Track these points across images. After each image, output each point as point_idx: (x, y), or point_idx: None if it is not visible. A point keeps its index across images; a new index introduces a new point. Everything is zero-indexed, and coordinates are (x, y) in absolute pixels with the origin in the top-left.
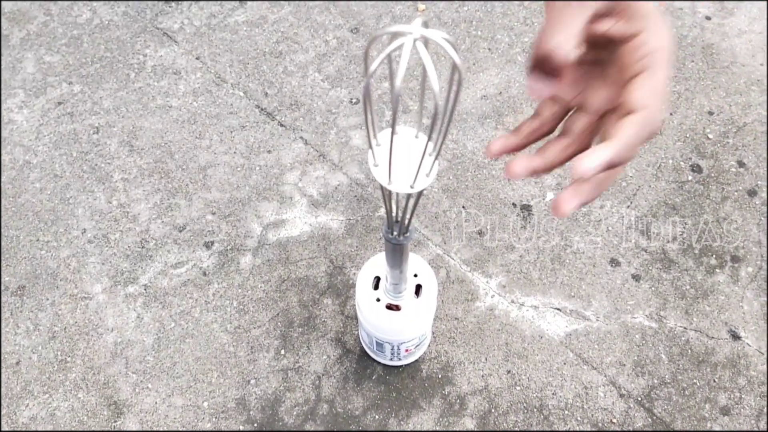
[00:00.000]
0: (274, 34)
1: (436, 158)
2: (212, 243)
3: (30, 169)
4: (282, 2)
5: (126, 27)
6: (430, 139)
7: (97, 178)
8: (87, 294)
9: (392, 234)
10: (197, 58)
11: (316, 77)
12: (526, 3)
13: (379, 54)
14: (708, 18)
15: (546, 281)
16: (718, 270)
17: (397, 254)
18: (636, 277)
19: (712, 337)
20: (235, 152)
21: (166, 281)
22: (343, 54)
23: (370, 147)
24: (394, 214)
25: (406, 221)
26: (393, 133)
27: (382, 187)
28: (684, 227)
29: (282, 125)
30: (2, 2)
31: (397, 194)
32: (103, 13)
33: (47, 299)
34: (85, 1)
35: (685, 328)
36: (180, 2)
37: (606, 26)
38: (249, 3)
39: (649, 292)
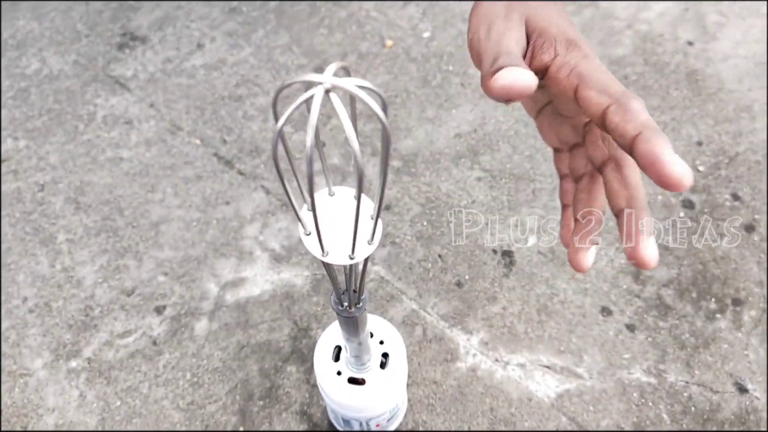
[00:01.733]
0: (234, 77)
1: (376, 221)
2: (164, 307)
3: None
4: (242, 44)
5: (76, 76)
6: (359, 206)
7: (41, 240)
8: (27, 370)
9: (342, 306)
10: (151, 106)
11: None
12: None
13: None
14: (690, 43)
15: (533, 335)
16: (718, 315)
17: (351, 326)
18: (630, 327)
19: (717, 392)
20: (190, 205)
21: (112, 353)
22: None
23: (296, 213)
24: (342, 284)
25: (357, 290)
26: (312, 197)
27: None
28: (679, 269)
29: (241, 174)
30: None
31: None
32: (53, 63)
33: None
34: (34, 52)
35: (686, 382)
36: (134, 49)
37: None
38: (207, 46)
39: (645, 343)
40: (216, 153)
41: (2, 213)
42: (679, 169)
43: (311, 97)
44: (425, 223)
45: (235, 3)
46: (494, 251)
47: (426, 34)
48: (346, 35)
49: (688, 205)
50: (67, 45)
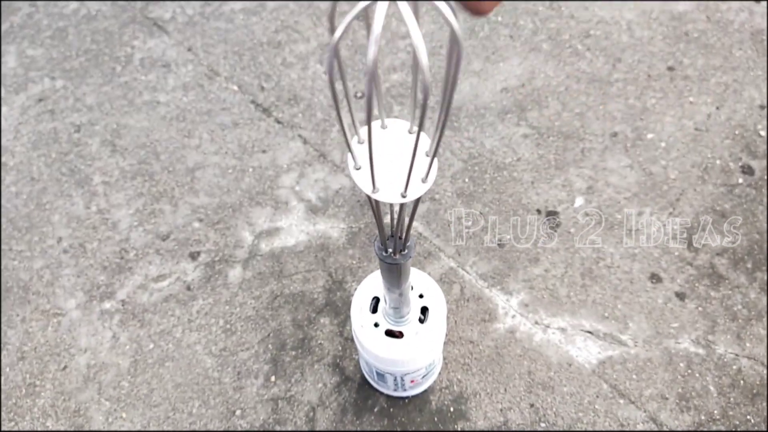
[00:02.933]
0: (273, 22)
1: (432, 158)
2: (198, 254)
3: (6, 172)
4: None
5: (114, 17)
6: (420, 133)
7: (76, 181)
8: (60, 310)
9: (386, 252)
10: (189, 50)
11: (317, 69)
12: None
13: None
14: (757, 0)
15: (575, 300)
16: None
17: (394, 275)
18: (680, 296)
19: None
20: (226, 152)
21: (146, 296)
22: (347, 43)
23: (348, 145)
24: (388, 227)
25: (403, 236)
26: (370, 125)
27: (368, 197)
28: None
29: (279, 122)
30: None
31: (391, 204)
32: (91, 3)
33: (17, 315)
34: None
35: (736, 355)
36: None
37: None
38: None
39: (695, 312)
40: (253, 100)
41: (38, 153)
42: None
43: (374, 3)
44: (467, 180)
45: None
46: (538, 211)
47: None
48: None
49: (747, 171)
50: None
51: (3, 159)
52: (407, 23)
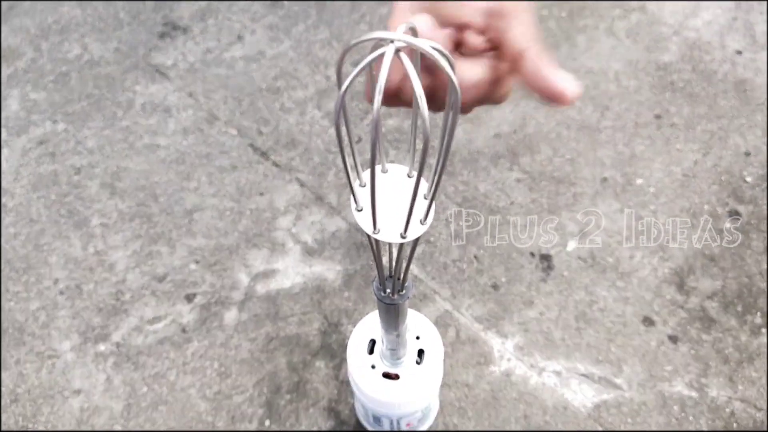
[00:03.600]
0: (272, 69)
1: (431, 201)
2: (194, 295)
3: (5, 213)
4: (282, 37)
5: (117, 63)
6: (420, 177)
7: (75, 223)
8: (54, 352)
9: (385, 292)
10: (190, 95)
11: (315, 114)
12: (543, 36)
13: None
14: (739, 52)
15: (570, 342)
16: (764, 330)
17: (392, 315)
18: (673, 339)
19: (761, 409)
20: (224, 195)
21: (141, 339)
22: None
23: (350, 187)
24: (387, 268)
25: (401, 276)
26: (373, 169)
27: (369, 237)
28: (724, 281)
29: (276, 165)
30: None
31: (389, 244)
32: (95, 50)
33: (12, 356)
34: (76, 38)
35: (729, 397)
36: (175, 38)
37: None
38: (248, 38)
39: (688, 355)
40: (252, 144)
41: (38, 194)
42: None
43: (380, 56)
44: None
45: None
46: (532, 254)
47: None
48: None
49: (735, 215)
50: (109, 32)
51: (3, 200)
52: (410, 75)
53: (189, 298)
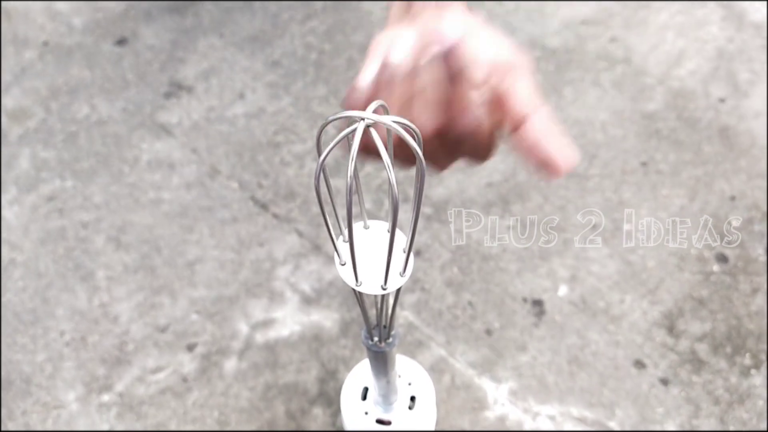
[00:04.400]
0: (272, 125)
1: (408, 253)
2: (195, 345)
3: (14, 267)
4: (282, 95)
5: (124, 122)
6: (393, 233)
7: (81, 276)
8: (60, 402)
9: (372, 340)
10: (193, 151)
11: (313, 167)
12: None
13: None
14: (722, 100)
15: (563, 386)
16: (753, 371)
17: (380, 363)
18: (664, 381)
19: None
20: (225, 246)
21: (143, 389)
22: (341, 144)
23: (333, 243)
24: (374, 317)
25: (387, 325)
26: (350, 228)
27: (354, 290)
28: (713, 323)
29: (276, 217)
30: (3, 100)
31: (375, 296)
32: (102, 109)
33: (18, 407)
34: (85, 98)
35: None
36: (180, 97)
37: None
38: (249, 96)
39: (679, 398)
40: (252, 196)
41: (46, 249)
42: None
43: (353, 131)
44: (455, 270)
45: (276, 56)
46: (524, 300)
47: None
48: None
49: (721, 259)
50: (116, 93)
51: (12, 255)
52: (378, 148)
53: (190, 348)
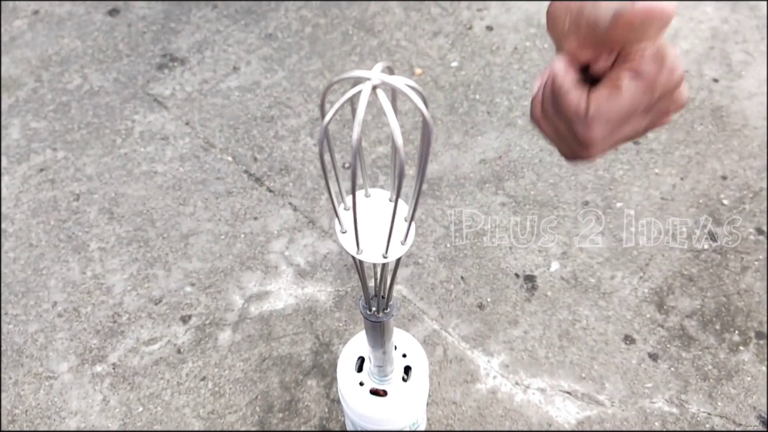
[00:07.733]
0: (267, 99)
1: (410, 222)
2: (189, 317)
3: (5, 238)
4: (276, 68)
5: (116, 93)
6: (397, 201)
7: (73, 247)
8: (52, 373)
9: (370, 310)
10: (186, 124)
11: (308, 142)
12: (525, 67)
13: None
14: (715, 80)
15: (554, 360)
16: (742, 347)
17: (378, 333)
18: (653, 356)
19: (740, 424)
20: (219, 219)
21: (137, 360)
22: (336, 118)
23: (335, 210)
24: (372, 287)
25: (385, 295)
26: (354, 194)
27: (354, 258)
28: (702, 300)
29: (270, 191)
30: None
31: (374, 265)
32: (94, 80)
33: (10, 378)
34: (77, 68)
35: (709, 414)
36: (173, 69)
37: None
38: (243, 69)
39: (668, 373)
40: (246, 170)
41: (38, 220)
42: None
43: (358, 92)
44: (449, 245)
45: (271, 29)
46: (516, 275)
47: (454, 64)
48: (377, 62)
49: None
50: (108, 63)
51: (3, 226)
52: (385, 110)
53: (184, 320)
